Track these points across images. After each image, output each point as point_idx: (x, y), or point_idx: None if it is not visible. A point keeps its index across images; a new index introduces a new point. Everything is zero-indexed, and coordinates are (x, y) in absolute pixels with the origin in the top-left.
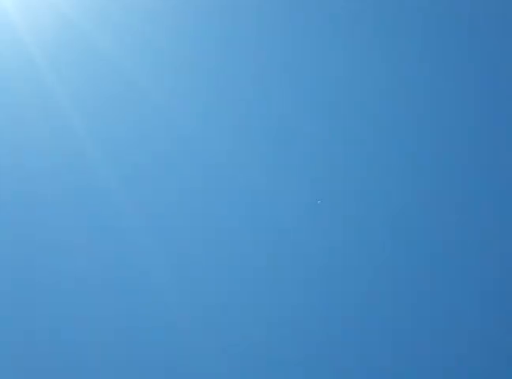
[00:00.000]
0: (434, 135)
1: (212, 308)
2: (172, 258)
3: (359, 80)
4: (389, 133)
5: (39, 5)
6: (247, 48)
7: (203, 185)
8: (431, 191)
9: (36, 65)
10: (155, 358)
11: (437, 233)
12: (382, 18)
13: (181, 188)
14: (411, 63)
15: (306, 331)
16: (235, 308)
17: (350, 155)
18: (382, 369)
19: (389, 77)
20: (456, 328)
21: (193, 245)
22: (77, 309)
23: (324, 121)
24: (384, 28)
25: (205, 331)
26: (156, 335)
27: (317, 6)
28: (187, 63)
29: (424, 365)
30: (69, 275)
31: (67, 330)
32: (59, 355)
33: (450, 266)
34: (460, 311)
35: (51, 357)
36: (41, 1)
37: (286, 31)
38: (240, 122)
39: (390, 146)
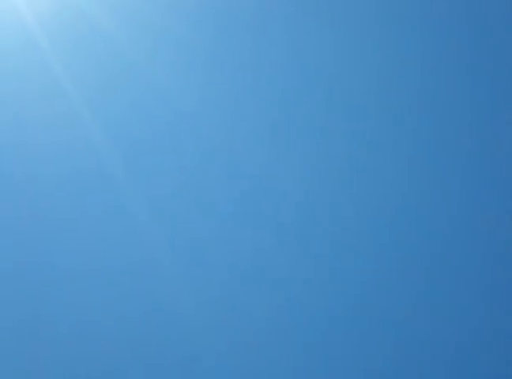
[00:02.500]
0: (434, 135)
1: (216, 296)
2: (175, 240)
3: (357, 74)
4: (389, 131)
5: None
6: (247, 26)
7: (204, 166)
8: (431, 191)
9: (37, 46)
10: (158, 351)
11: (437, 233)
12: (381, 15)
13: (181, 167)
14: (411, 62)
15: (305, 329)
16: (235, 298)
17: (349, 148)
18: (382, 369)
19: (388, 75)
20: (456, 327)
21: (195, 227)
22: (79, 297)
23: (323, 107)
24: (383, 24)
25: (206, 322)
26: (157, 325)
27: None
28: (187, 42)
29: (424, 365)
30: (71, 260)
31: (67, 321)
32: (60, 345)
33: (451, 267)
34: (460, 311)
35: (53, 345)
36: None
37: (287, 14)
38: (242, 102)
39: (389, 144)
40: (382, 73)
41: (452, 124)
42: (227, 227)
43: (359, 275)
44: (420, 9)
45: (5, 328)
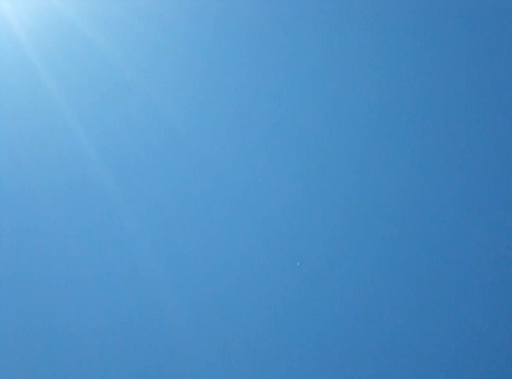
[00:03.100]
0: (434, 135)
1: (208, 304)
2: (167, 253)
3: (357, 76)
4: (389, 131)
5: (36, 4)
6: (242, 44)
7: (197, 181)
8: (432, 192)
9: (31, 63)
10: (152, 355)
11: (437, 234)
12: (382, 17)
13: (175, 183)
14: (411, 62)
15: (304, 330)
16: (232, 304)
17: (349, 150)
18: (382, 369)
19: (389, 76)
20: (456, 327)
21: (189, 240)
22: (73, 306)
23: (321, 119)
24: (384, 26)
25: (201, 327)
26: (151, 331)
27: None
28: (182, 59)
29: (424, 365)
30: (64, 271)
31: (63, 326)
32: (58, 350)
33: (451, 268)
34: (460, 311)
35: (48, 353)
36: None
37: (282, 27)
38: (234, 118)
39: (390, 145)
40: (383, 73)
41: (452, 124)
42: (220, 239)
43: (359, 277)
44: (421, 9)
45: (3, 335)
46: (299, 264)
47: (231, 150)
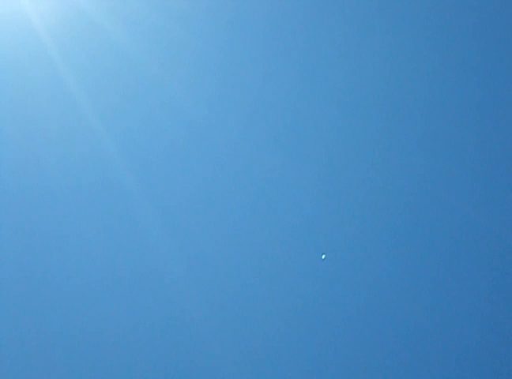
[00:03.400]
0: (435, 136)
1: (219, 302)
2: (184, 248)
3: (363, 76)
4: (393, 133)
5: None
6: (258, 39)
7: (214, 175)
8: (436, 191)
9: (49, 57)
10: (161, 351)
11: (437, 236)
12: (386, 15)
13: (195, 177)
14: (414, 62)
15: (312, 329)
16: (242, 300)
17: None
18: (382, 369)
19: (392, 77)
20: (457, 327)
21: (206, 235)
22: (87, 303)
23: (333, 112)
24: (388, 27)
25: (212, 324)
26: (164, 330)
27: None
28: (201, 54)
29: (424, 366)
30: (81, 268)
31: (74, 326)
32: (66, 349)
33: (452, 270)
34: (460, 311)
35: (59, 349)
36: None
37: (299, 21)
38: (253, 112)
39: (394, 147)
40: (386, 74)
41: (453, 125)
42: (237, 233)
43: (367, 277)
44: (423, 9)
45: (14, 332)
46: (324, 257)
47: (249, 144)
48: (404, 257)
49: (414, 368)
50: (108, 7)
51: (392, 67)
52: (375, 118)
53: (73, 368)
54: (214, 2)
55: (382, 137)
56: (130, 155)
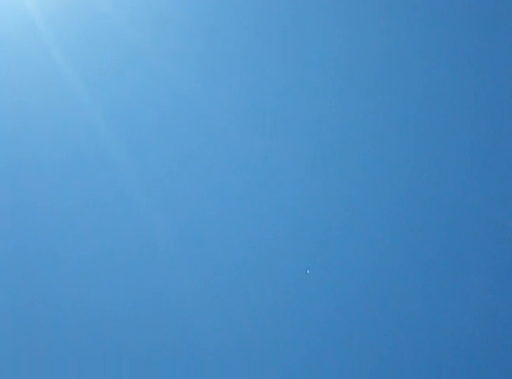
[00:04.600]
0: (435, 135)
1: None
2: (177, 225)
3: (359, 70)
4: (389, 128)
5: None
6: (248, 9)
7: (205, 148)
8: (432, 188)
9: (38, 31)
10: (161, 340)
11: (437, 235)
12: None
13: (183, 151)
14: (412, 60)
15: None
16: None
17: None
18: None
19: (389, 73)
20: (457, 327)
21: (196, 207)
22: (82, 286)
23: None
24: (385, 22)
25: (209, 310)
26: (161, 314)
27: None
28: (188, 23)
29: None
30: (73, 245)
31: (71, 309)
32: (64, 332)
33: (452, 268)
34: (460, 311)
35: (58, 333)
36: None
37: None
38: (242, 83)
39: (391, 146)
40: (384, 70)
41: (453, 125)
42: (231, 211)
43: (361, 272)
44: (423, 7)
45: (11, 317)
46: (308, 272)
47: (239, 115)
48: (400, 254)
49: (414, 368)
50: None
51: (389, 60)
52: (370, 115)
53: (72, 338)
54: None
55: (376, 136)
56: (118, 127)
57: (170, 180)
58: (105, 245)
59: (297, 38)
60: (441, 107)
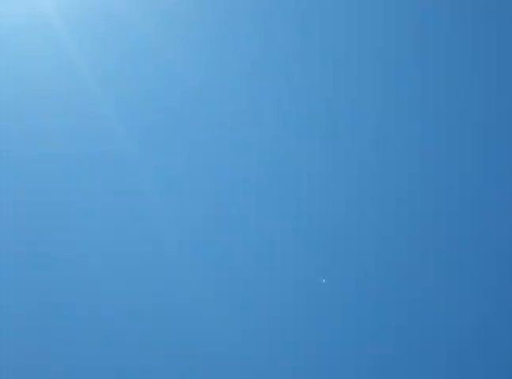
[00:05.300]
0: (435, 135)
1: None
2: (182, 216)
3: (361, 70)
4: (391, 129)
5: None
6: (255, 6)
7: (212, 141)
8: (433, 188)
9: (49, 23)
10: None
11: (439, 233)
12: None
13: (190, 143)
14: (413, 60)
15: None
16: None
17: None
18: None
19: (389, 75)
20: (457, 327)
21: (203, 198)
22: (86, 281)
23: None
24: (382, 26)
25: (211, 306)
26: (162, 296)
27: None
28: (197, 20)
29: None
30: (81, 238)
31: (77, 305)
32: (69, 329)
33: (452, 267)
34: (460, 311)
35: (62, 329)
36: None
37: None
38: (249, 74)
39: (391, 146)
40: (385, 72)
41: (453, 125)
42: (236, 207)
43: (362, 272)
44: (423, 9)
45: (15, 309)
46: (324, 281)
47: (248, 109)
48: (401, 254)
49: (414, 367)
50: None
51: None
52: (372, 116)
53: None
54: None
55: (379, 134)
56: (130, 122)
57: (179, 174)
58: (114, 243)
59: (303, 33)
60: (441, 107)
